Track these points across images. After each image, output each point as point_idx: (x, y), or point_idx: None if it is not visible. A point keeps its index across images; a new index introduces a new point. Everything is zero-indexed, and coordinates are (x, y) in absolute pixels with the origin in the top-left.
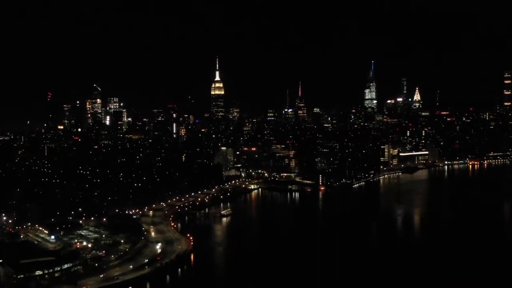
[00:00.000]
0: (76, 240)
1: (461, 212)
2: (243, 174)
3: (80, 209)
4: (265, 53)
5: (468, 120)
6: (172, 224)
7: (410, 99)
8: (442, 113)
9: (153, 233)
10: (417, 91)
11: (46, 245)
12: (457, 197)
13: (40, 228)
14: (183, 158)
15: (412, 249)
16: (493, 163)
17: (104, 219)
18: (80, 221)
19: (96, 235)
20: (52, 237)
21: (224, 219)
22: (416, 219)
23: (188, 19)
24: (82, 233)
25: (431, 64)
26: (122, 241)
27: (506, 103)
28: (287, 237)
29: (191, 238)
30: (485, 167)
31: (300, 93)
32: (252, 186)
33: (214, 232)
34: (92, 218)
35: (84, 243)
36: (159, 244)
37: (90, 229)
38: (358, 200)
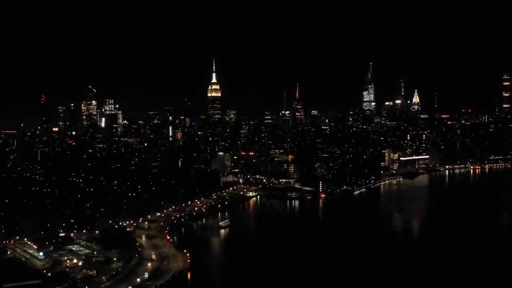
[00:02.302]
0: (66, 258)
1: (463, 223)
2: (241, 180)
3: (72, 220)
4: (262, 54)
5: (468, 123)
6: (168, 237)
7: (408, 101)
8: (442, 116)
9: (147, 249)
10: (416, 93)
11: (34, 262)
12: (458, 206)
13: (29, 243)
14: (180, 164)
15: (412, 261)
16: (495, 167)
17: (97, 232)
18: (72, 234)
19: (87, 251)
20: (41, 253)
21: (222, 231)
22: (417, 230)
23: (185, 21)
24: (73, 249)
25: (429, 66)
26: (114, 258)
27: (505, 105)
28: (288, 252)
29: (187, 254)
30: (487, 171)
31: (297, 95)
32: (251, 194)
33: (212, 247)
34: (84, 231)
35: (75, 261)
36: (154, 262)
37: (82, 243)
38: (359, 209)
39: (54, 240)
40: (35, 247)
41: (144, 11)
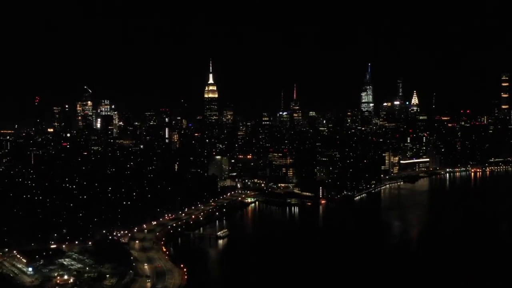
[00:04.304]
0: (56, 273)
1: (464, 233)
2: (239, 185)
3: (64, 230)
4: (259, 55)
5: (468, 125)
6: (164, 249)
7: (407, 103)
8: (443, 118)
9: (142, 263)
10: (415, 95)
11: (23, 278)
12: (460, 214)
13: (18, 256)
14: (176, 167)
15: (413, 272)
16: (496, 170)
17: (90, 243)
18: (64, 246)
19: (79, 265)
20: (30, 269)
21: (221, 241)
22: (418, 240)
23: (182, 21)
24: (64, 263)
25: (427, 66)
26: (107, 274)
27: (503, 106)
28: (290, 264)
29: (184, 269)
30: (488, 174)
31: (295, 95)
32: (249, 200)
33: (210, 259)
34: (77, 242)
35: (65, 277)
36: (149, 279)
37: (74, 256)
38: (360, 217)
39: (44, 253)
40: (25, 261)
41: (141, 12)
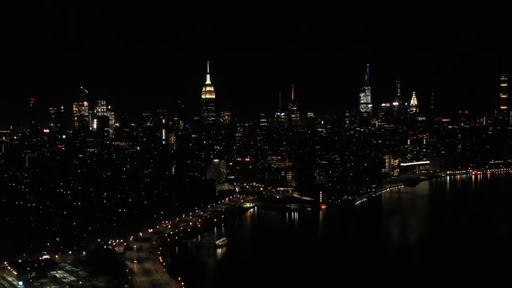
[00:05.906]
0: (48, 287)
1: (465, 239)
2: (237, 189)
3: (57, 239)
4: (257, 55)
5: (467, 126)
6: (161, 259)
7: (406, 103)
8: (443, 120)
9: (138, 275)
10: (413, 96)
11: None
12: (461, 218)
13: (9, 268)
14: (173, 171)
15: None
16: (496, 172)
17: (84, 253)
18: (57, 256)
19: (72, 278)
20: (21, 282)
21: (219, 250)
22: (420, 244)
23: (180, 21)
24: (57, 275)
25: (425, 67)
26: None
27: (502, 107)
28: (290, 274)
29: (182, 283)
30: (488, 177)
31: (293, 96)
32: (248, 205)
33: (209, 271)
34: (70, 252)
35: None
36: None
37: (67, 268)
38: (361, 223)
39: (36, 265)
40: (15, 273)
41: (137, 12)
